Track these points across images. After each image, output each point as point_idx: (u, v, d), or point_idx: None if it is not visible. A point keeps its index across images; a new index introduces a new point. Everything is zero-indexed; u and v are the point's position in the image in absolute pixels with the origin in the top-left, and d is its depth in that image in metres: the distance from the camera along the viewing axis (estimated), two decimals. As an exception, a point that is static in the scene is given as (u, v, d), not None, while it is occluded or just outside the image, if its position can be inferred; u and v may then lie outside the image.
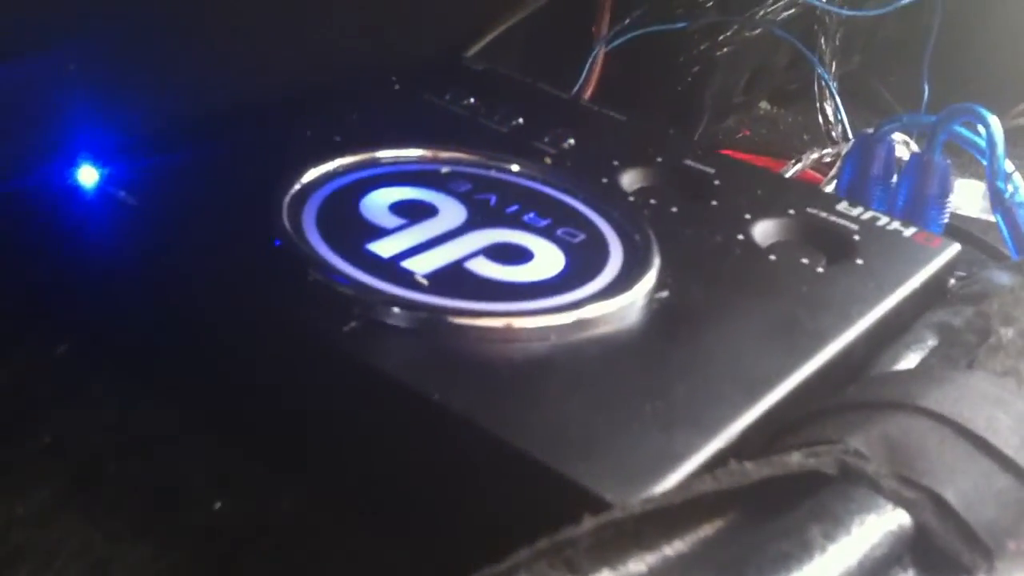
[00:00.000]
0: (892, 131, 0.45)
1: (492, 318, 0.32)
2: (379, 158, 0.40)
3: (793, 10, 0.59)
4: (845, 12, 0.59)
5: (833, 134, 0.59)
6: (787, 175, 0.49)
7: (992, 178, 0.42)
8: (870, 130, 0.47)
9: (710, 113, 0.61)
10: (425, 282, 0.33)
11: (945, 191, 0.44)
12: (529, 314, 0.32)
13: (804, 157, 0.50)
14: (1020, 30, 0.68)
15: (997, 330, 0.33)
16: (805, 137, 0.65)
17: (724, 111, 0.63)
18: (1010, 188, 0.42)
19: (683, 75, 0.58)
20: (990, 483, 0.27)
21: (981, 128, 0.42)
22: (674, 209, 0.40)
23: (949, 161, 0.44)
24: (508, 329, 0.31)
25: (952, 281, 0.40)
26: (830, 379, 0.33)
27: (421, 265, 0.34)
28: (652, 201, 0.40)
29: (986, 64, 0.69)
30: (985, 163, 0.43)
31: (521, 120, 0.45)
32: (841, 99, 0.60)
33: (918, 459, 0.27)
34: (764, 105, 0.68)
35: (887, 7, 0.58)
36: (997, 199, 0.42)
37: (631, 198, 0.41)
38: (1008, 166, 0.44)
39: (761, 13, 0.59)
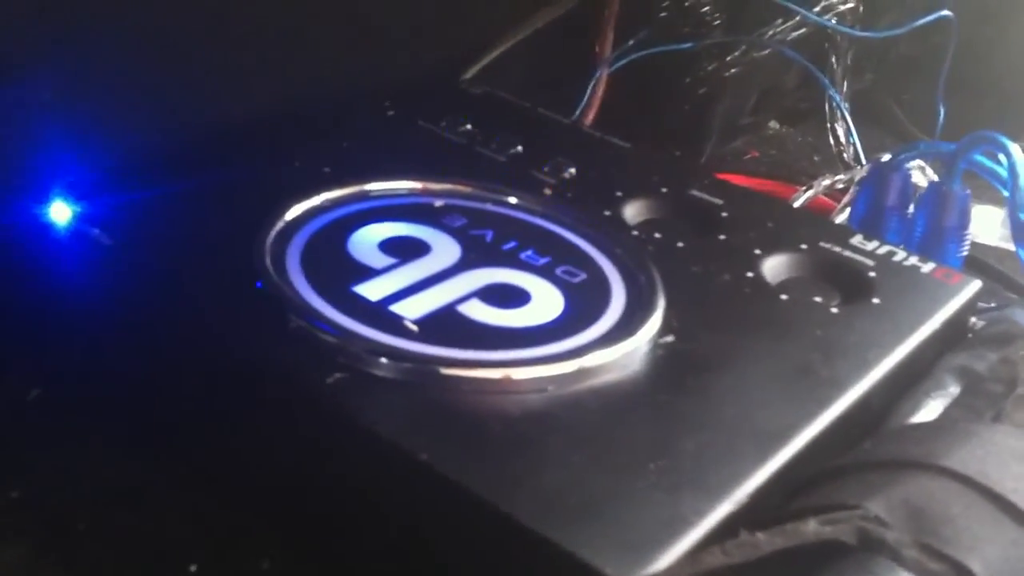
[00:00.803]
0: (908, 160, 0.43)
1: (486, 368, 0.30)
2: (369, 191, 0.38)
3: (803, 30, 0.57)
4: (857, 33, 0.57)
5: (845, 156, 0.57)
6: (798, 203, 0.47)
7: (1015, 210, 0.40)
8: (886, 157, 0.45)
9: (717, 135, 0.59)
10: (415, 328, 0.31)
11: (964, 223, 0.42)
12: (526, 364, 0.30)
13: (816, 184, 0.48)
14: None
15: (1021, 379, 0.31)
16: (816, 158, 0.63)
17: (732, 133, 0.61)
18: (1034, 220, 0.40)
19: (689, 97, 0.56)
20: (1019, 552, 0.25)
21: (1002, 157, 0.40)
22: (680, 244, 0.38)
23: (969, 191, 0.42)
24: (504, 381, 0.30)
25: (974, 320, 0.38)
26: (847, 430, 0.31)
27: (411, 309, 0.32)
28: (657, 235, 0.39)
29: (1002, 83, 0.67)
30: (1007, 194, 0.41)
31: (520, 148, 0.43)
32: (854, 118, 0.58)
33: (942, 526, 0.25)
34: (773, 125, 0.66)
35: (900, 28, 0.56)
36: (1020, 232, 0.40)
37: (635, 232, 0.39)
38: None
39: (770, 33, 0.57)
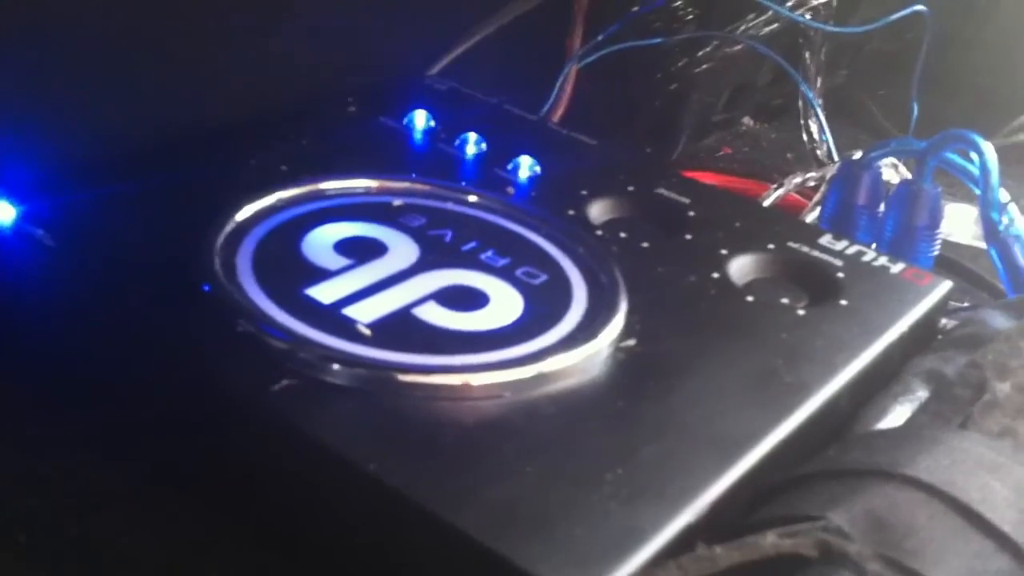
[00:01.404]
0: (879, 158, 0.43)
1: (440, 374, 0.29)
2: (326, 190, 0.37)
3: (776, 25, 0.57)
4: (829, 28, 0.57)
5: (818, 153, 0.56)
6: (768, 202, 0.47)
7: (986, 210, 0.39)
8: (857, 155, 0.45)
9: (689, 131, 0.58)
10: (368, 332, 0.30)
11: (935, 222, 0.41)
12: (482, 369, 0.29)
13: (786, 182, 0.48)
14: (1014, 43, 0.66)
15: (992, 384, 0.31)
16: (788, 155, 0.62)
17: (704, 129, 0.60)
18: (1005, 220, 0.39)
19: (660, 93, 0.56)
20: (985, 565, 0.25)
21: (974, 155, 0.39)
22: (645, 244, 0.37)
23: (940, 189, 0.42)
24: (459, 387, 0.29)
25: (944, 322, 0.37)
26: (812, 436, 0.30)
27: (365, 312, 0.31)
28: (622, 235, 0.38)
29: (979, 78, 0.67)
30: (978, 192, 0.40)
31: (485, 145, 0.42)
32: (828, 114, 0.58)
33: (906, 537, 0.25)
34: (747, 121, 0.65)
35: (874, 24, 0.55)
36: (991, 232, 0.39)
37: (599, 232, 0.38)
38: (1003, 195, 0.41)
39: (742, 28, 0.56)
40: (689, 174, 0.52)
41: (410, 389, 0.28)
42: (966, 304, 0.40)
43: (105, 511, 0.30)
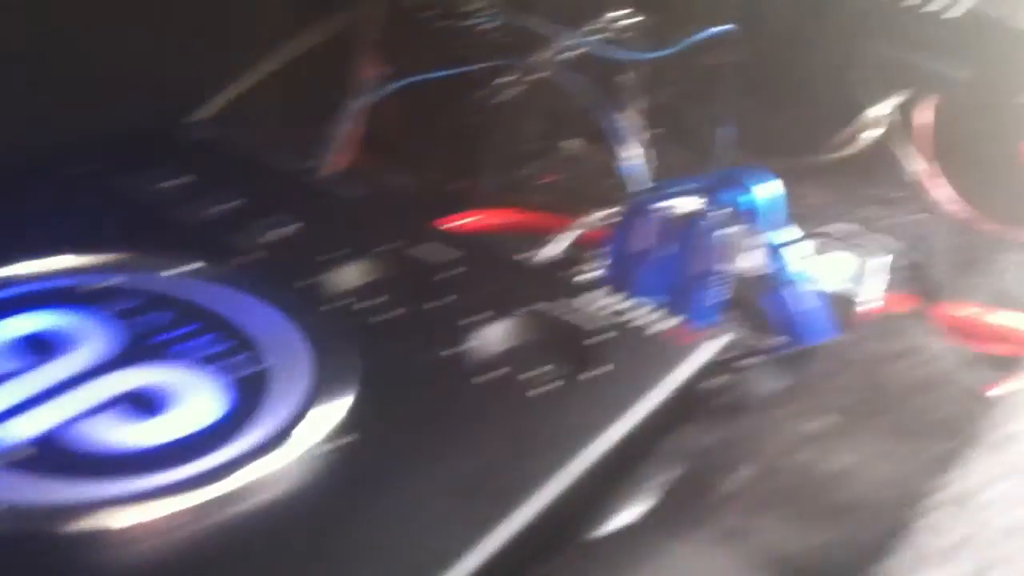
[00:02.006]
0: (653, 201, 0.39)
1: (91, 514, 0.25)
2: (15, 275, 0.33)
3: (586, 48, 0.54)
4: (622, 55, 0.53)
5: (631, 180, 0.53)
6: (559, 246, 0.43)
7: (765, 256, 0.37)
8: (648, 189, 0.42)
9: (500, 163, 0.55)
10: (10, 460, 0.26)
11: (721, 264, 0.38)
12: (153, 496, 0.25)
13: (579, 223, 0.45)
14: (843, 57, 0.64)
15: (736, 469, 0.28)
16: (612, 181, 0.59)
17: (519, 158, 0.57)
18: (776, 265, 0.37)
19: (461, 126, 0.52)
20: None
21: (743, 198, 0.37)
22: (397, 311, 0.34)
23: (724, 231, 0.39)
24: (114, 531, 0.25)
25: (725, 377, 0.34)
26: (532, 544, 0.26)
27: (14, 432, 0.27)
28: (370, 302, 0.34)
29: (809, 91, 0.64)
30: (758, 232, 0.38)
31: (234, 205, 0.39)
32: (659, 134, 0.55)
33: None
34: (574, 144, 0.62)
35: (677, 46, 0.53)
36: (763, 280, 0.37)
37: (350, 299, 0.34)
38: (791, 233, 0.38)
39: (550, 54, 0.53)
40: (485, 212, 0.49)
41: (52, 538, 0.24)
42: (754, 355, 0.37)
43: None
